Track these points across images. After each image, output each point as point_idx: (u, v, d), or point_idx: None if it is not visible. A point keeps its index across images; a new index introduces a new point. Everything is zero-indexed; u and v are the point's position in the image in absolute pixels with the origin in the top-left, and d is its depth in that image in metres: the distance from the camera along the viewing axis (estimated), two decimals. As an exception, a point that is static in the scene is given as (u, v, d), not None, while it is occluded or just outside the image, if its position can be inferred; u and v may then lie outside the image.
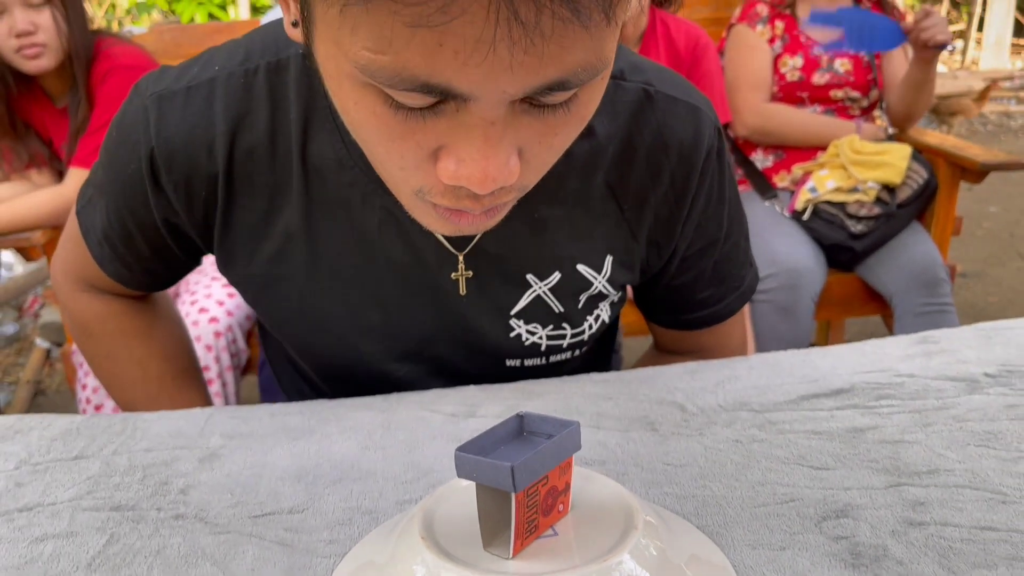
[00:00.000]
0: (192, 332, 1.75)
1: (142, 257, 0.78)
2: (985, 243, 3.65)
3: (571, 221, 0.73)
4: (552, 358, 0.79)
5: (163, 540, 0.56)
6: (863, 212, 1.95)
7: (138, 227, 0.75)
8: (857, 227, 1.94)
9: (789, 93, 2.12)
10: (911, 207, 1.99)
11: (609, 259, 0.76)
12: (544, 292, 0.75)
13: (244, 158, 0.69)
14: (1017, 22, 7.95)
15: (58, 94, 1.85)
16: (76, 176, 1.80)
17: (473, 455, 0.46)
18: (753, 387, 0.73)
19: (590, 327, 0.79)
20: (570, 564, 0.46)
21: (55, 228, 1.80)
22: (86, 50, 1.78)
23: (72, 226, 0.81)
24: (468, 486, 0.53)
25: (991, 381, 0.71)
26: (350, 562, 0.53)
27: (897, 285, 1.90)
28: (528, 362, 0.79)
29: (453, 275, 0.73)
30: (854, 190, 1.97)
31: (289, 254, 0.73)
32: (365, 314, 0.75)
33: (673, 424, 0.68)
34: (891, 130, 2.19)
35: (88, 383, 1.77)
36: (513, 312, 0.76)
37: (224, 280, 1.87)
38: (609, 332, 0.94)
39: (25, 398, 2.58)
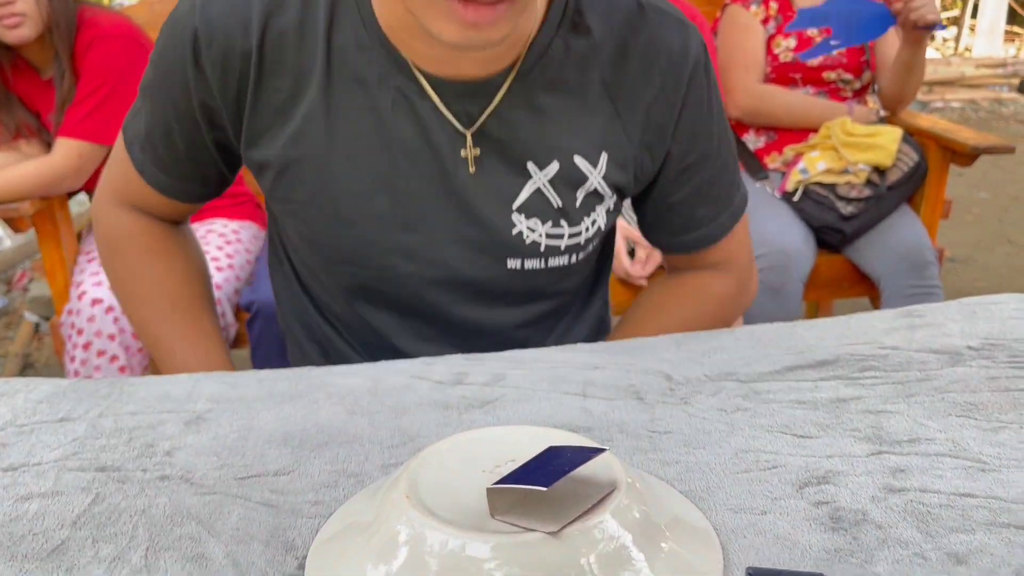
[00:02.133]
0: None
1: (179, 159, 0.85)
2: (974, 229, 3.67)
3: (569, 112, 0.79)
4: (551, 261, 0.83)
5: (148, 500, 0.56)
6: (853, 194, 1.95)
7: (177, 119, 0.81)
8: (847, 209, 1.95)
9: (782, 74, 2.12)
10: (901, 190, 2.00)
11: (604, 156, 0.81)
12: (544, 184, 0.80)
13: (275, 39, 0.76)
14: (1011, 9, 7.95)
15: (43, 65, 1.83)
16: (64, 147, 1.79)
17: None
18: (739, 358, 0.74)
19: (587, 229, 0.83)
20: (553, 524, 0.46)
21: (43, 199, 1.79)
22: (67, 20, 1.76)
23: (118, 144, 0.89)
24: (451, 449, 0.53)
25: (974, 354, 0.72)
26: (335, 523, 0.53)
27: (885, 267, 1.91)
28: (528, 263, 0.83)
29: (463, 152, 0.78)
30: (845, 172, 1.97)
31: (309, 135, 0.78)
32: (376, 199, 0.79)
33: (659, 393, 0.69)
34: (883, 112, 2.20)
35: (76, 355, 1.77)
36: (515, 206, 0.80)
37: (213, 253, 1.87)
38: (602, 263, 0.97)
39: (14, 371, 2.57)
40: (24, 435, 0.64)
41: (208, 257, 1.86)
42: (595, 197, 0.82)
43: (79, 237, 2.00)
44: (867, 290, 2.01)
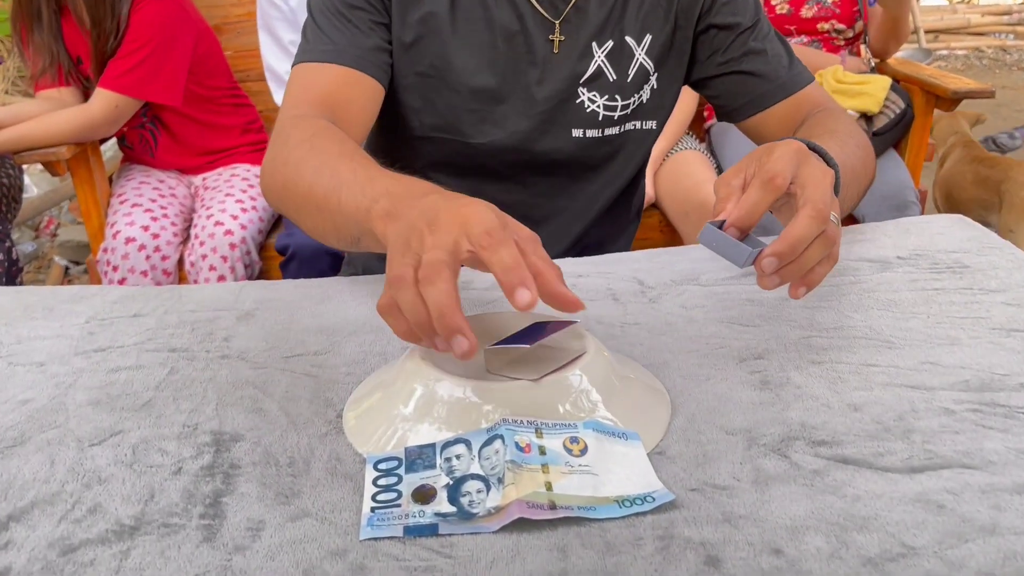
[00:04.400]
0: (208, 244, 1.89)
1: (362, 40, 0.95)
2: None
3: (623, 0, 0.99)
4: (606, 131, 1.03)
5: (213, 372, 0.70)
6: (840, 138, 2.06)
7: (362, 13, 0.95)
8: (834, 152, 2.05)
9: (778, 26, 2.21)
10: (887, 135, 2.10)
11: (648, 37, 1.01)
12: (603, 60, 0.99)
13: None
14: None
15: (85, 16, 1.94)
16: (103, 97, 1.91)
17: (721, 231, 0.66)
18: (702, 268, 0.86)
19: (635, 102, 1.03)
20: (535, 375, 0.59)
21: (78, 144, 1.92)
22: None
23: (293, 72, 0.95)
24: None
25: (901, 262, 0.85)
26: (364, 386, 0.66)
27: (869, 207, 2.02)
28: (588, 133, 1.02)
29: (550, 36, 0.98)
30: (833, 117, 2.07)
31: (436, 17, 0.96)
32: (479, 74, 0.98)
33: (631, 295, 0.81)
34: (874, 62, 2.29)
35: (112, 290, 1.91)
36: (582, 80, 1.00)
37: (237, 196, 2.00)
38: (636, 182, 1.15)
39: (47, 311, 2.72)
40: (106, 326, 0.78)
41: (232, 200, 1.99)
42: (642, 75, 1.01)
43: (110, 181, 2.13)
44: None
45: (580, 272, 0.87)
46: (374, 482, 0.55)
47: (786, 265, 0.64)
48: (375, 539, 0.50)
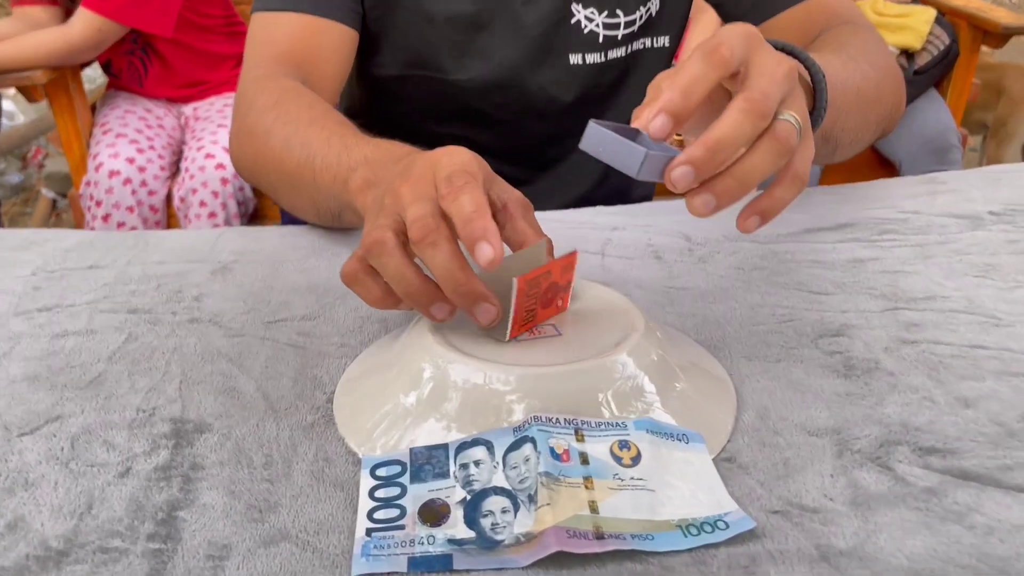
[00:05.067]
0: (198, 178, 1.76)
1: None
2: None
3: None
4: (610, 54, 0.87)
5: (180, 340, 0.58)
6: (879, 76, 1.91)
7: None
8: (872, 91, 1.90)
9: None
10: (929, 74, 1.95)
11: None
12: None
13: None
14: None
15: None
16: (86, 18, 1.77)
17: (609, 130, 0.45)
18: (758, 221, 0.74)
19: (642, 17, 0.87)
20: (574, 358, 0.47)
21: (55, 69, 1.77)
22: None
23: (252, 23, 0.83)
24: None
25: (994, 219, 0.72)
26: (362, 362, 0.55)
27: (907, 151, 1.88)
28: (588, 58, 0.87)
29: None
30: (872, 52, 1.92)
31: None
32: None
33: (677, 252, 0.69)
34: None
35: (96, 227, 1.78)
36: None
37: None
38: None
39: (33, 246, 2.60)
40: (55, 280, 0.66)
41: (225, 131, 1.85)
42: None
43: (93, 109, 1.99)
44: (885, 175, 1.99)
45: (615, 224, 0.74)
46: (371, 494, 0.43)
47: (716, 178, 0.46)
48: (371, 575, 0.39)
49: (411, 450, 0.45)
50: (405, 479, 0.44)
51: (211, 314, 0.61)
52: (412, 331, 0.51)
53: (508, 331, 0.49)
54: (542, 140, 0.93)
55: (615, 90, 0.91)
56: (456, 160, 0.48)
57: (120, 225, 1.77)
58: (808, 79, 0.58)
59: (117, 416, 0.50)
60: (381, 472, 0.44)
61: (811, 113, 0.58)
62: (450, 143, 0.52)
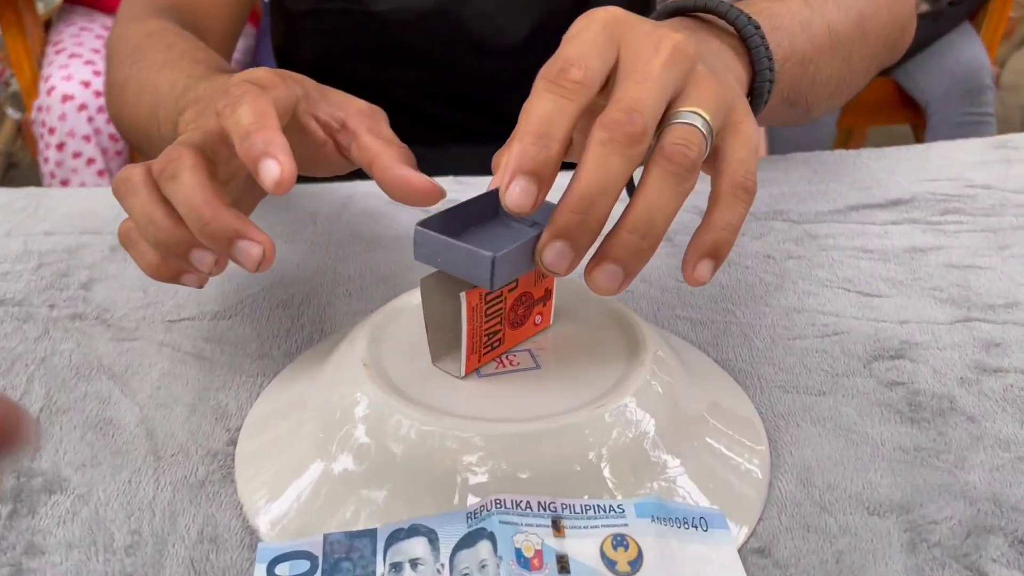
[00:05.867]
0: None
1: None
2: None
3: None
4: None
5: (52, 345, 0.45)
6: (910, 7, 1.74)
7: None
8: (900, 24, 1.74)
9: None
10: (963, 5, 1.78)
11: None
12: None
13: None
14: None
15: None
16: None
17: (440, 234, 0.34)
18: (791, 193, 0.60)
19: None
20: (554, 408, 0.35)
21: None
22: None
23: None
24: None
25: (1085, 198, 0.59)
26: (276, 392, 0.42)
27: (936, 91, 1.73)
28: None
29: None
30: (903, -20, 1.75)
31: None
32: None
33: (690, 233, 0.56)
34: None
35: (50, 156, 1.64)
36: None
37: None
38: None
39: (-4, 171, 2.45)
40: (-89, 256, 0.53)
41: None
42: None
43: (46, 27, 1.82)
44: (910, 116, 1.84)
45: (615, 192, 0.61)
46: None
47: (608, 240, 0.33)
48: None
49: (325, 537, 0.33)
50: (314, 582, 0.31)
51: (99, 308, 0.48)
52: (344, 357, 0.39)
53: (463, 364, 0.36)
54: (495, 83, 0.76)
55: (575, 14, 0.73)
56: (245, 75, 0.39)
57: (76, 155, 1.63)
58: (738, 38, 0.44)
59: (-56, 463, 0.37)
60: (282, 570, 0.32)
61: (752, 84, 0.44)
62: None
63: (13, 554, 0.33)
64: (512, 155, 0.32)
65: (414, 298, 0.41)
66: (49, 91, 1.61)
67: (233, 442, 0.39)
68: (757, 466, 0.37)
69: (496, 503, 0.32)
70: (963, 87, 1.69)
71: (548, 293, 0.39)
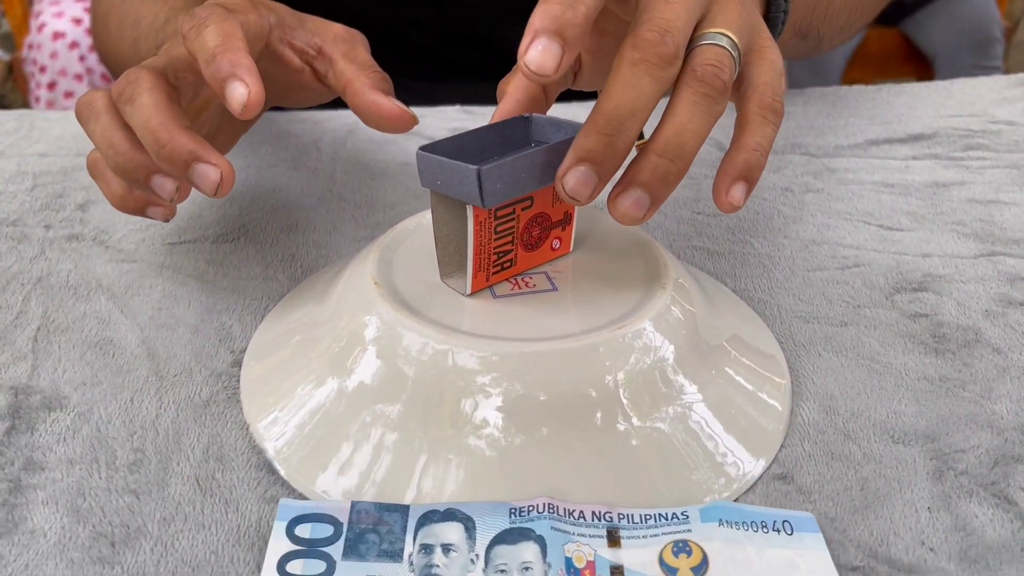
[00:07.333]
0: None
1: None
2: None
3: None
4: None
5: (49, 265, 0.44)
6: (920, -44, 1.71)
7: None
8: (912, -27, 1.71)
9: None
10: (974, -46, 1.74)
11: None
12: None
13: None
14: None
15: None
16: None
17: (437, 155, 0.32)
18: (810, 127, 0.59)
19: None
20: (571, 329, 0.33)
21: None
22: None
23: None
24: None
25: (1111, 136, 0.57)
26: (283, 312, 0.40)
27: (945, 43, 1.70)
28: None
29: None
30: (915, -72, 1.71)
31: None
32: None
33: (709, 165, 0.54)
34: None
35: (41, 95, 1.61)
36: None
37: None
38: None
39: (-13, 113, 2.41)
40: (-100, 175, 0.51)
41: None
42: None
43: (37, -40, 1.77)
44: (917, 70, 1.81)
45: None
46: (280, 567, 0.30)
47: (635, 163, 0.31)
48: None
49: (353, 505, 0.31)
50: (336, 548, 0.30)
51: (97, 229, 0.47)
52: (353, 276, 0.37)
53: (468, 280, 0.35)
54: (496, 16, 0.71)
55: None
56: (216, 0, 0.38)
57: (68, 95, 1.60)
58: None
59: (-62, 380, 0.36)
60: (303, 531, 0.30)
61: (766, 15, 0.43)
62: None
63: (11, 470, 0.32)
64: (534, 16, 0.29)
65: (424, 218, 0.40)
66: (40, 28, 1.57)
67: (238, 363, 0.38)
68: (778, 400, 0.36)
69: (549, 507, 0.30)
70: (972, 38, 1.67)
71: (568, 217, 0.38)
